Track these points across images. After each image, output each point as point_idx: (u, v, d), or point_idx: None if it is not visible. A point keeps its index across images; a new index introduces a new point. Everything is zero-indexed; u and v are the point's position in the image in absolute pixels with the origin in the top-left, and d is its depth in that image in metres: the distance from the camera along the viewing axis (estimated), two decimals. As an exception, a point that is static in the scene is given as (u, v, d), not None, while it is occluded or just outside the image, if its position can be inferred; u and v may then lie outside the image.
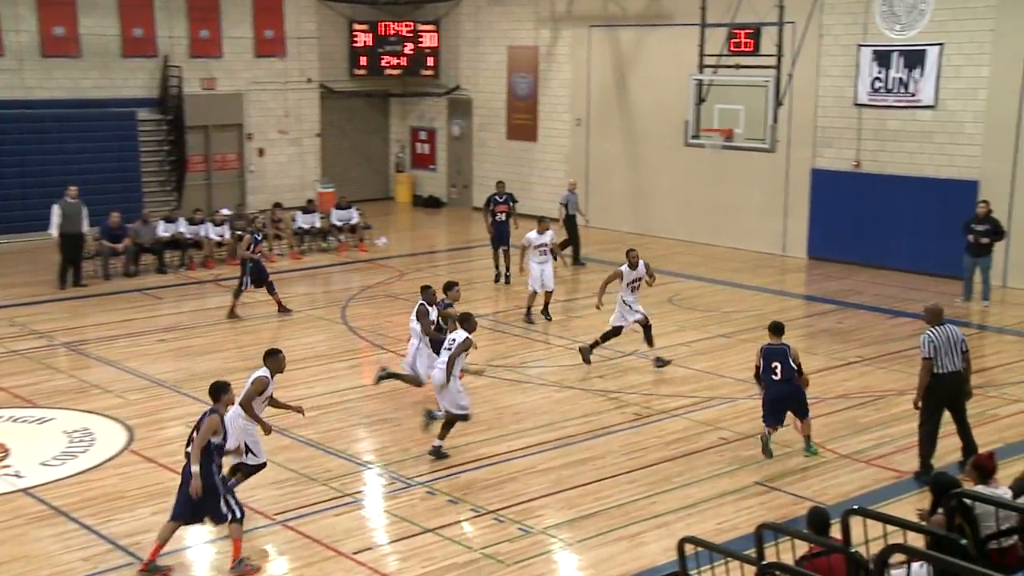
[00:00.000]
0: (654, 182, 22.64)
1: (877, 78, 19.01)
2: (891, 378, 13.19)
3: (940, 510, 6.95)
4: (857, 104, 19.37)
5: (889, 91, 18.90)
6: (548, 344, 14.94)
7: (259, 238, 16.65)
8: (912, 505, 8.06)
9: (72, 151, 22.31)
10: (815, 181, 20.29)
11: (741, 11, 17.09)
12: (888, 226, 19.33)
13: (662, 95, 22.12)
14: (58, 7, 22.31)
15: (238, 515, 8.37)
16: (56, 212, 17.89)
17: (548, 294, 15.95)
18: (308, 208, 21.72)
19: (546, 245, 15.89)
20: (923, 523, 6.96)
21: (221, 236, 20.05)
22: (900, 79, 18.74)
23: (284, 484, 10.10)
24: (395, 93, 27.98)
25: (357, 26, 26.49)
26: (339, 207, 21.86)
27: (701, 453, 10.85)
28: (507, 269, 17.94)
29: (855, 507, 6.72)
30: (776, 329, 10.74)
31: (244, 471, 9.57)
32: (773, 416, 10.61)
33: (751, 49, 16.92)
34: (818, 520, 6.66)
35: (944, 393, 10.06)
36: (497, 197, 18.38)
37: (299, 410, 10.01)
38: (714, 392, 12.78)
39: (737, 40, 17.21)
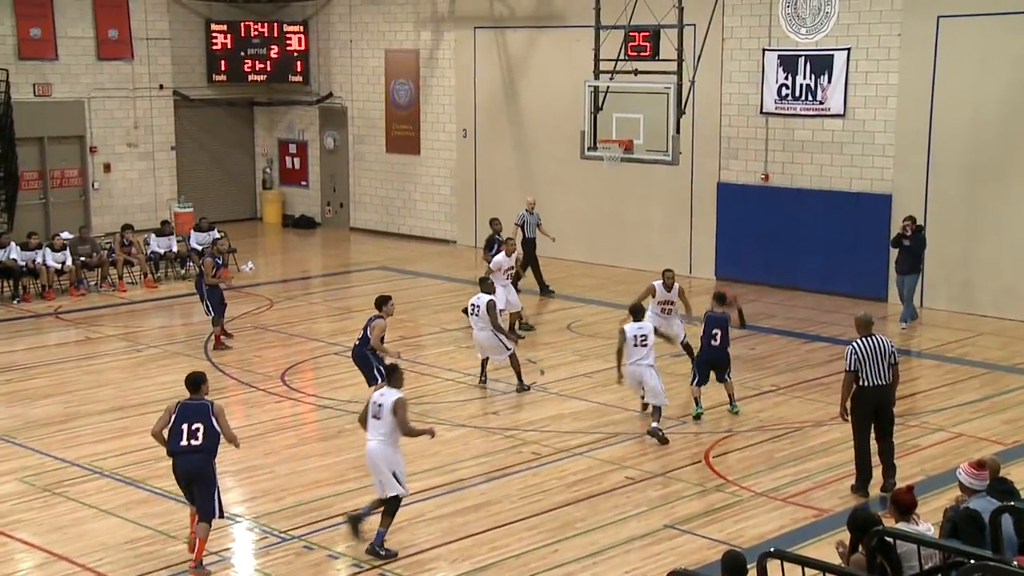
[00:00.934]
0: (549, 198, 22.82)
1: (784, 84, 19.60)
2: (808, 408, 13.54)
3: (860, 549, 7.12)
4: (764, 112, 19.94)
5: (797, 99, 19.51)
6: (437, 377, 14.87)
7: (220, 262, 16.73)
8: (832, 546, 8.25)
9: None
10: (721, 196, 20.78)
11: (638, 12, 17.38)
12: (799, 243, 19.90)
13: (555, 103, 22.39)
14: None
15: (219, 516, 9.44)
16: None
17: (517, 314, 16.62)
18: (163, 230, 21.24)
19: (512, 268, 16.70)
20: (843, 565, 7.12)
21: (61, 263, 19.42)
22: (807, 86, 19.37)
23: (139, 543, 9.80)
24: (260, 101, 27.62)
25: (215, 26, 26.11)
26: (199, 229, 21.42)
27: (606, 495, 10.92)
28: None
29: (772, 549, 6.84)
30: (720, 299, 13.28)
31: (388, 507, 9.64)
32: (705, 378, 13.07)
33: (649, 53, 17.22)
34: (733, 565, 6.75)
35: (869, 407, 10.58)
36: (498, 238, 17.64)
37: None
38: (619, 427, 12.89)
39: (635, 43, 17.50)
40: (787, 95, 19.59)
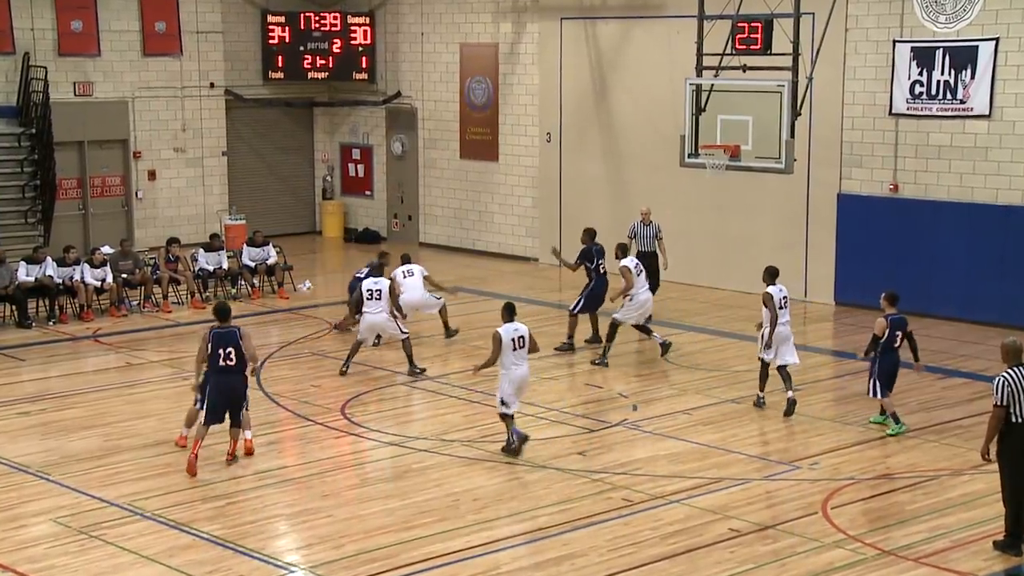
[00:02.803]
0: (644, 211, 22.85)
1: (918, 81, 19.40)
2: (945, 454, 13.34)
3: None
4: (893, 113, 19.74)
5: (933, 97, 19.29)
6: (517, 413, 14.93)
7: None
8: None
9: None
10: (843, 209, 20.60)
11: (748, 0, 17.42)
12: (934, 264, 19.62)
13: (652, 103, 22.42)
14: None
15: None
16: None
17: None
18: (212, 245, 21.67)
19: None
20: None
21: (101, 280, 19.91)
22: (946, 82, 19.14)
23: (183, 594, 10.01)
24: (321, 102, 28.11)
25: (272, 18, 26.68)
26: (252, 244, 21.83)
27: (707, 549, 10.86)
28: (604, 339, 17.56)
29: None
30: (893, 300, 14.19)
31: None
32: (890, 387, 13.80)
33: (760, 47, 17.19)
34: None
35: (1021, 449, 10.40)
36: (595, 249, 18.01)
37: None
38: (722, 471, 12.84)
39: (744, 35, 17.50)
40: (921, 93, 19.38)
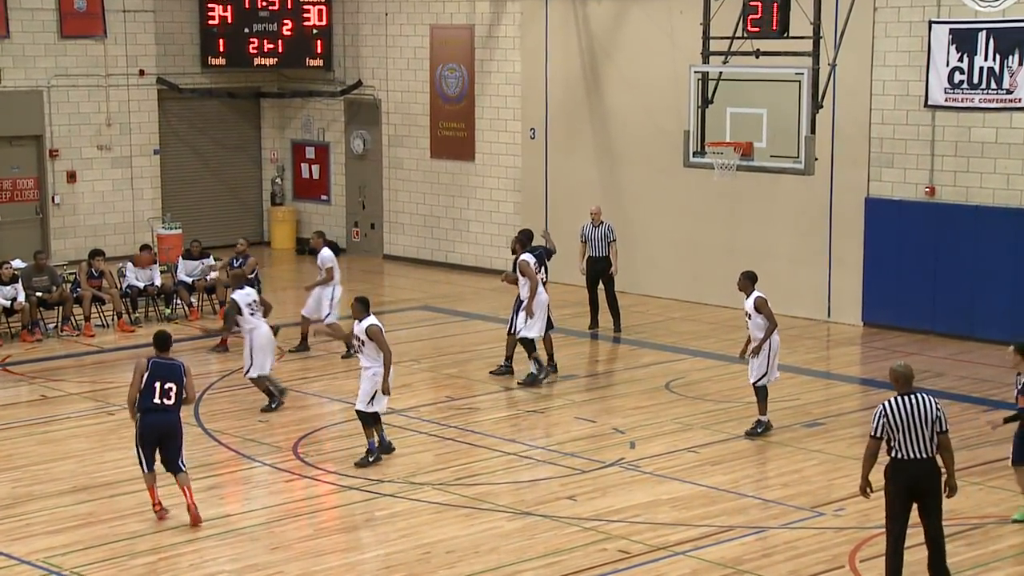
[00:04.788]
0: (642, 218, 22.93)
1: (957, 68, 19.51)
2: (990, 499, 13.36)
3: None
4: (929, 105, 19.85)
5: (975, 87, 19.40)
6: (496, 450, 14.97)
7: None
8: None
9: None
10: (871, 216, 20.69)
11: (762, -24, 17.53)
12: (977, 278, 19.71)
13: (651, 94, 22.51)
14: None
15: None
16: None
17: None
18: (143, 259, 21.64)
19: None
20: None
21: (11, 300, 19.85)
22: (991, 70, 19.25)
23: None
24: (269, 93, 28.16)
25: (212, -4, 26.73)
26: (189, 256, 21.83)
27: (718, 607, 10.91)
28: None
29: None
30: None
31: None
32: None
33: (776, 29, 17.27)
34: None
35: (907, 489, 10.59)
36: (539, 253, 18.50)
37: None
38: (734, 519, 12.86)
39: (757, 16, 17.60)
40: (962, 82, 19.50)
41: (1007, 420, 12.63)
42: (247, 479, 14.05)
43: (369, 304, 14.26)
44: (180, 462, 12.58)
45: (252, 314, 16.59)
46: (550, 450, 14.97)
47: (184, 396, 12.57)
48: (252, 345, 16.39)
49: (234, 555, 12.07)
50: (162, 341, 12.76)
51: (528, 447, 15.07)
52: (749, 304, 15.20)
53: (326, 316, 18.96)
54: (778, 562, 11.82)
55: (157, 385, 12.35)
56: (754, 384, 15.20)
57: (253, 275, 20.17)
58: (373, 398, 14.12)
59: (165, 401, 12.38)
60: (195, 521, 12.43)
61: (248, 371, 16.36)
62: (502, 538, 12.32)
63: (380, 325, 14.19)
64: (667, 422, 15.96)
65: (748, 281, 15.35)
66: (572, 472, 14.21)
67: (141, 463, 12.60)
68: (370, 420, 14.21)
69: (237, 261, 20.02)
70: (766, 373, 15.12)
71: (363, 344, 14.13)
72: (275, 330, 16.84)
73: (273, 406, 16.37)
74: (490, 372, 18.00)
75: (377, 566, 11.70)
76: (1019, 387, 12.30)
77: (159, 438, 12.49)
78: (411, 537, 12.33)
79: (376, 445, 14.28)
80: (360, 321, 14.19)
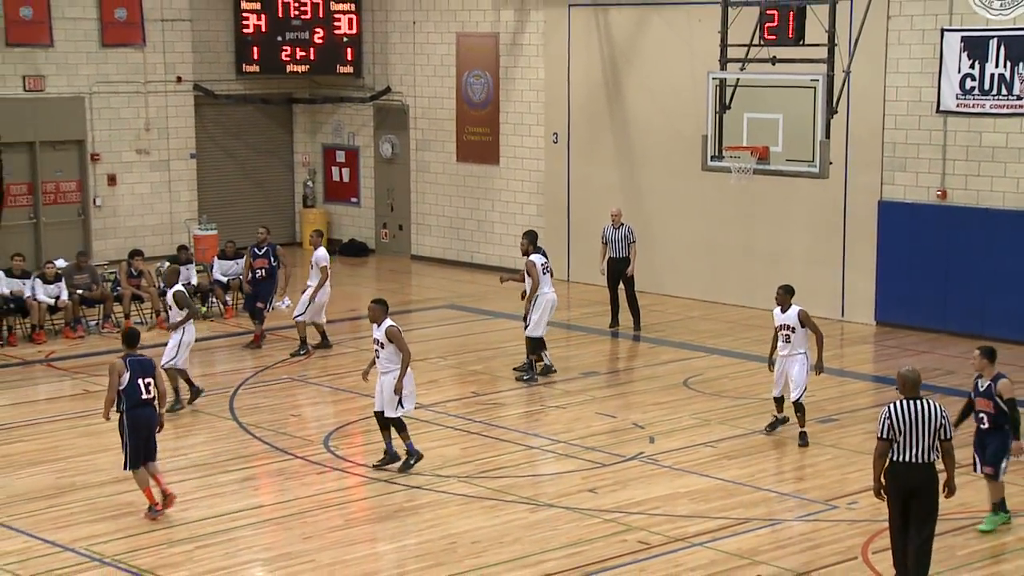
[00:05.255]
0: (661, 220, 22.92)
1: (969, 75, 19.45)
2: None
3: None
4: (941, 111, 19.79)
5: (986, 93, 19.34)
6: (519, 444, 15.01)
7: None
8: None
9: None
10: (884, 218, 20.64)
11: (779, -15, 17.51)
12: (988, 279, 19.66)
13: (670, 100, 22.50)
14: None
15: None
16: None
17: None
18: (180, 258, 21.68)
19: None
20: None
21: (55, 298, 19.96)
22: (1001, 76, 19.17)
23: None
24: (301, 98, 28.23)
25: (246, 5, 26.81)
26: (224, 256, 21.92)
27: (734, 597, 10.92)
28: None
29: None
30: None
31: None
32: None
33: (792, 37, 17.26)
34: None
35: (903, 490, 10.50)
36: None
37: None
38: (750, 511, 12.87)
39: (773, 24, 17.59)
40: (973, 88, 19.43)
41: (960, 419, 12.46)
42: (280, 471, 14.11)
43: (387, 306, 14.11)
44: (155, 451, 12.74)
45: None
46: (572, 444, 15.00)
47: (160, 391, 12.74)
48: (183, 340, 16.09)
49: (268, 544, 12.16)
50: (133, 338, 12.85)
51: (550, 441, 15.11)
52: (791, 317, 14.61)
53: (299, 314, 18.94)
54: (793, 553, 11.83)
55: (140, 381, 12.42)
56: (796, 401, 14.70)
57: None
58: (400, 402, 13.84)
59: (148, 396, 12.50)
60: (172, 501, 12.59)
61: (173, 360, 15.99)
62: (525, 529, 12.36)
63: (398, 327, 13.98)
64: (685, 417, 15.97)
65: (788, 295, 14.73)
66: (593, 465, 14.25)
67: (131, 461, 12.50)
68: (402, 424, 13.94)
69: (261, 249, 19.95)
70: (805, 388, 14.77)
71: (382, 347, 13.84)
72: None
73: (189, 401, 16.27)
74: (514, 369, 18.03)
75: (405, 555, 11.75)
76: (979, 389, 12.14)
77: (149, 430, 12.59)
78: (438, 528, 12.38)
79: (391, 447, 13.99)
80: (379, 325, 13.93)
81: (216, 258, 22.09)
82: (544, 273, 17.59)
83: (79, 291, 20.38)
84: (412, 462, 13.86)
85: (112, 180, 25.74)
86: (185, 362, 16.15)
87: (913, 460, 10.36)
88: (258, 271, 19.70)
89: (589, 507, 12.94)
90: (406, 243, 27.17)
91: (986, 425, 11.97)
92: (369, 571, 11.44)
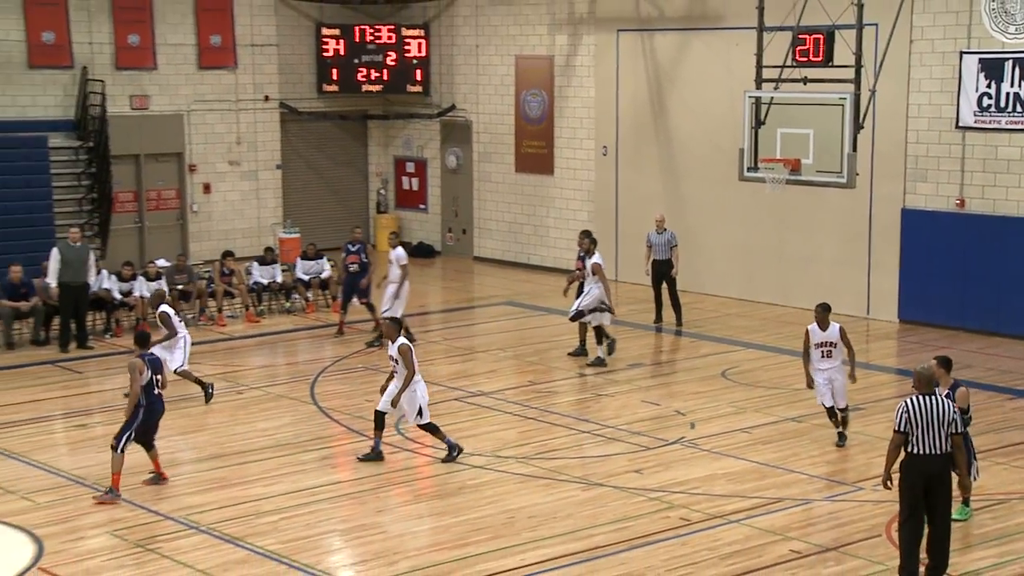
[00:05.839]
0: (701, 226, 22.81)
1: (986, 94, 19.23)
2: (1014, 476, 13.19)
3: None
4: (960, 127, 19.58)
5: (1002, 110, 19.11)
6: (572, 429, 15.00)
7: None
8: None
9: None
10: (907, 224, 20.44)
11: (809, 11, 17.34)
12: (1003, 281, 19.42)
13: (710, 116, 22.40)
14: (-57, 5, 22.79)
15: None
16: (55, 258, 18.65)
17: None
18: (267, 258, 21.91)
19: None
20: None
21: (156, 294, 20.18)
22: (1016, 95, 18.95)
23: (237, 608, 10.14)
24: (375, 115, 28.35)
25: (326, 31, 26.97)
26: (306, 257, 22.06)
27: (767, 570, 10.81)
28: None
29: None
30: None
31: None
32: None
33: (822, 59, 17.14)
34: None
35: (919, 481, 10.26)
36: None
37: None
38: (783, 492, 12.78)
39: (804, 47, 17.46)
40: (989, 106, 19.21)
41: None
42: (356, 451, 14.18)
43: (401, 325, 13.98)
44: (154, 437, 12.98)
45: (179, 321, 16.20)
46: (619, 429, 14.98)
47: (164, 384, 13.04)
48: (186, 344, 16.07)
49: (344, 516, 12.23)
50: (145, 339, 13.21)
51: (600, 426, 15.09)
52: (833, 335, 13.88)
53: (385, 310, 18.72)
54: (822, 530, 11.75)
55: (155, 378, 12.73)
56: (845, 408, 14.22)
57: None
58: (420, 411, 13.44)
59: (160, 390, 12.84)
60: (164, 481, 12.94)
61: (181, 364, 16.00)
62: (577, 506, 12.35)
63: (410, 345, 13.57)
64: (723, 405, 15.89)
65: (826, 313, 13.93)
66: (639, 448, 14.21)
67: (122, 445, 12.49)
68: (434, 427, 13.65)
69: (354, 246, 20.04)
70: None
71: (396, 363, 13.45)
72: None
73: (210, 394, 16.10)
74: (568, 354, 18.10)
75: (467, 528, 11.76)
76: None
77: (156, 419, 12.92)
78: (497, 504, 12.40)
79: (379, 445, 13.63)
80: (393, 342, 13.51)
81: (299, 259, 22.23)
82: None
83: (177, 287, 20.57)
84: (455, 455, 13.62)
85: (207, 188, 25.98)
86: (187, 362, 16.06)
87: (931, 452, 10.21)
88: (351, 265, 19.73)
89: (635, 486, 12.91)
90: (469, 246, 27.22)
91: None
92: (435, 542, 11.47)
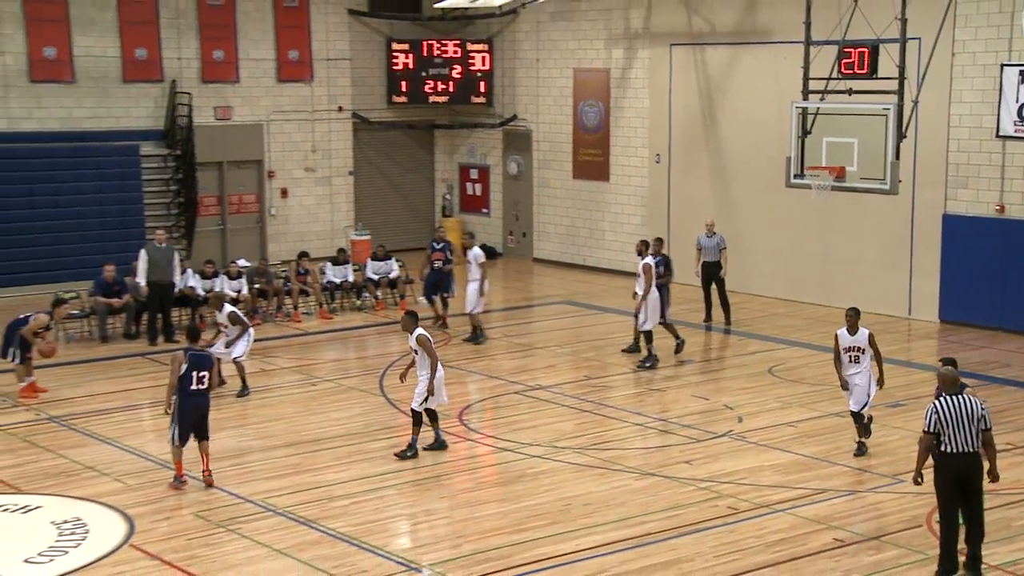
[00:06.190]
0: (750, 230, 22.65)
1: (1024, 104, 18.96)
2: (1047, 469, 12.98)
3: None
4: (1000, 136, 19.28)
5: (1040, 120, 18.83)
6: (625, 422, 14.95)
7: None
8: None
9: (65, 192, 23.01)
10: (948, 229, 20.16)
11: (855, 26, 17.17)
12: (1040, 283, 19.13)
13: (758, 126, 22.23)
14: (49, 25, 23.13)
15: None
16: (143, 259, 18.98)
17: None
18: (339, 259, 22.05)
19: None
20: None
21: (237, 292, 20.36)
22: (1054, 106, 18.68)
23: (310, 586, 10.22)
24: (441, 124, 28.44)
25: (396, 46, 27.10)
26: (376, 258, 22.18)
27: (810, 558, 10.73)
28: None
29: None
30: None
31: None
32: None
33: (867, 71, 16.95)
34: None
35: (953, 478, 10.11)
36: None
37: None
38: (826, 483, 12.67)
39: (849, 60, 17.28)
40: (1028, 116, 18.93)
41: None
42: (421, 441, 14.22)
43: (417, 317, 13.66)
44: (207, 431, 12.60)
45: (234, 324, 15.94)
46: (671, 422, 14.92)
47: (213, 383, 12.62)
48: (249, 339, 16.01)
49: (410, 502, 12.29)
50: (194, 334, 12.91)
51: (652, 419, 15.04)
52: (862, 339, 13.28)
53: (473, 309, 18.83)
54: (864, 520, 11.64)
55: (194, 373, 12.28)
56: (869, 420, 13.56)
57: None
58: (427, 398, 13.30)
59: (200, 387, 12.35)
60: (209, 484, 12.42)
61: (241, 355, 15.90)
62: (630, 494, 12.32)
63: (428, 335, 13.37)
64: (769, 400, 15.77)
65: (857, 317, 13.33)
66: (689, 441, 14.14)
67: (174, 437, 12.41)
68: (419, 419, 13.41)
69: (438, 244, 20.13)
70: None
71: (416, 353, 13.30)
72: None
73: (246, 392, 16.00)
74: (622, 351, 18.12)
75: (526, 515, 11.77)
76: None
77: (199, 416, 12.47)
78: (554, 491, 12.39)
79: (415, 441, 13.43)
80: (411, 333, 13.32)
81: (369, 259, 22.34)
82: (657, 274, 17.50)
83: (256, 286, 20.77)
84: (436, 447, 13.50)
85: (284, 193, 26.21)
86: (247, 355, 16.02)
87: (963, 449, 10.06)
88: (436, 262, 19.86)
89: (685, 476, 12.85)
90: (529, 248, 27.22)
91: None
92: (495, 527, 11.49)
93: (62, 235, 22.83)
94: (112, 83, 23.92)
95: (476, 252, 19.04)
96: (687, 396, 16.16)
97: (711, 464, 13.30)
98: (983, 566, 10.23)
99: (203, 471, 12.46)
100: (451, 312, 20.08)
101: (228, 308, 16.13)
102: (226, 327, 15.96)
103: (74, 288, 19.89)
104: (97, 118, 23.78)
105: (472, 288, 18.86)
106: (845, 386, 13.51)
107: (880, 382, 13.55)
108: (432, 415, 13.57)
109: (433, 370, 13.26)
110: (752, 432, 14.39)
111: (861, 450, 13.50)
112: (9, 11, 22.74)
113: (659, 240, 18.98)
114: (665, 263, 18.50)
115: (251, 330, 16.29)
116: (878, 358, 13.52)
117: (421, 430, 13.48)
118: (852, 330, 13.35)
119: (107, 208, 23.35)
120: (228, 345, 15.80)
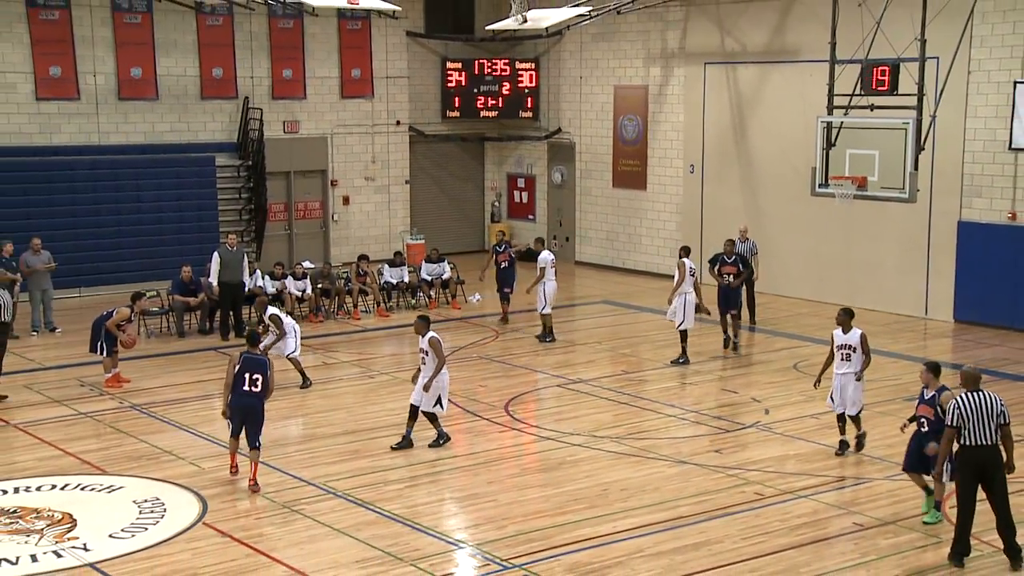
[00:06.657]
0: (777, 235, 22.49)
1: (1036, 119, 18.67)
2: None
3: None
4: (1013, 148, 19.01)
5: (1052, 134, 18.53)
6: (660, 413, 14.90)
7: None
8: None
9: (147, 199, 23.31)
10: (963, 235, 19.91)
11: (877, 46, 17.00)
12: (1049, 286, 18.84)
13: (785, 139, 22.07)
14: (136, 48, 23.45)
15: (259, 446, 12.02)
16: (216, 261, 19.22)
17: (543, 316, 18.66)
18: (396, 261, 22.14)
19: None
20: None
21: (302, 291, 20.53)
22: (1064, 120, 18.38)
23: (369, 563, 10.26)
24: (491, 137, 28.49)
25: (450, 65, 27.17)
26: (429, 260, 22.24)
27: (832, 540, 10.66)
28: (735, 336, 18.07)
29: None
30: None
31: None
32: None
33: (888, 88, 16.79)
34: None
35: (972, 469, 9.97)
36: (725, 257, 18.35)
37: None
38: (847, 471, 12.56)
39: (872, 78, 17.11)
40: (1040, 129, 18.64)
41: (909, 421, 11.32)
42: (470, 429, 14.29)
43: (430, 321, 13.43)
44: (257, 440, 11.97)
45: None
46: (702, 413, 14.85)
47: (268, 388, 12.00)
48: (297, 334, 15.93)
49: (460, 486, 12.32)
50: (252, 338, 12.39)
51: (685, 411, 14.97)
52: (854, 339, 12.76)
53: (542, 307, 18.80)
54: (882, 506, 11.52)
55: (247, 375, 11.83)
56: (856, 416, 13.02)
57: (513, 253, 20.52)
58: (439, 401, 13.08)
59: (252, 388, 11.86)
60: (255, 492, 11.88)
61: (294, 351, 15.78)
62: (664, 480, 12.28)
63: (439, 338, 13.16)
64: (794, 394, 15.65)
65: (849, 318, 12.85)
66: (719, 431, 14.07)
67: (233, 431, 12.15)
68: (434, 417, 13.22)
69: (501, 247, 20.29)
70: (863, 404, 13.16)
71: (427, 354, 13.02)
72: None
73: (308, 384, 15.94)
74: (671, 361, 17.44)
75: (566, 499, 11.76)
76: (924, 397, 11.00)
77: (244, 417, 11.92)
78: (593, 477, 12.38)
79: (410, 434, 13.19)
80: (424, 336, 13.09)
81: (423, 261, 22.41)
82: (690, 275, 17.30)
83: (319, 286, 20.92)
84: (442, 442, 13.23)
85: (346, 200, 26.37)
86: (299, 349, 15.97)
87: (983, 443, 9.93)
88: (502, 263, 20.01)
89: (715, 464, 12.79)
90: (571, 251, 27.19)
91: (925, 429, 10.91)
92: (538, 510, 11.49)
93: (144, 239, 23.14)
94: (191, 100, 24.19)
95: (544, 255, 18.90)
96: (717, 390, 16.07)
97: (739, 453, 13.22)
98: None
99: (249, 480, 11.96)
100: (513, 308, 20.13)
101: (271, 310, 16.15)
102: (270, 327, 15.81)
103: (154, 287, 20.11)
104: (177, 132, 24.06)
105: (550, 288, 18.66)
106: (816, 385, 13.15)
107: (859, 377, 12.91)
108: (413, 413, 13.20)
109: (438, 372, 13.01)
110: (778, 423, 14.29)
111: (843, 449, 13.06)
112: (102, 36, 23.10)
113: (731, 241, 18.72)
114: (742, 261, 18.32)
115: (295, 327, 16.09)
116: (866, 360, 12.96)
117: (415, 424, 13.24)
118: (845, 329, 12.95)
119: (185, 214, 23.63)
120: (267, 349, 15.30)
